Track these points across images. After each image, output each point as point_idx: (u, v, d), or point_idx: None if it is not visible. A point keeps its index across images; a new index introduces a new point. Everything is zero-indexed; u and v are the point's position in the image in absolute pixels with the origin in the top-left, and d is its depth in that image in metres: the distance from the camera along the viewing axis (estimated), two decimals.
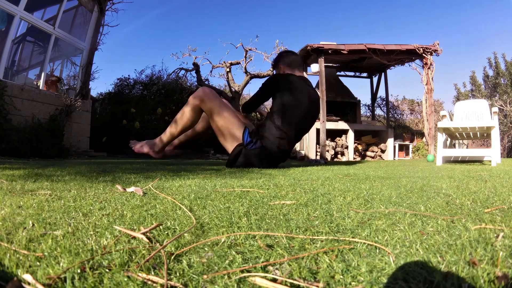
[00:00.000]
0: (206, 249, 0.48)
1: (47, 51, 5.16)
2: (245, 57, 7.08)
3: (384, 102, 9.02)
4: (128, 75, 8.51)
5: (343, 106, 7.39)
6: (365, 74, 7.90)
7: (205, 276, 0.38)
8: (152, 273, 0.39)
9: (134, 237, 0.53)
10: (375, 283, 0.37)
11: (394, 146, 7.22)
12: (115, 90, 8.18)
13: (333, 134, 6.96)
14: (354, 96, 7.60)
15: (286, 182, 1.33)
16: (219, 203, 0.85)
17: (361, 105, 8.25)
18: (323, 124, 5.48)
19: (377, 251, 0.48)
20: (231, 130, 2.25)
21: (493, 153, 3.25)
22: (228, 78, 7.14)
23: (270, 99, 2.42)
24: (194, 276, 0.39)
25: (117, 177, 1.45)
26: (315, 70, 6.92)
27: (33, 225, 0.59)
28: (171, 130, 2.32)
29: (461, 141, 4.89)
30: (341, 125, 6.85)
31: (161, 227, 0.60)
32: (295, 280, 0.38)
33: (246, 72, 7.10)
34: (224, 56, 11.99)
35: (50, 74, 5.40)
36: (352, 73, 7.91)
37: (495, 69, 12.90)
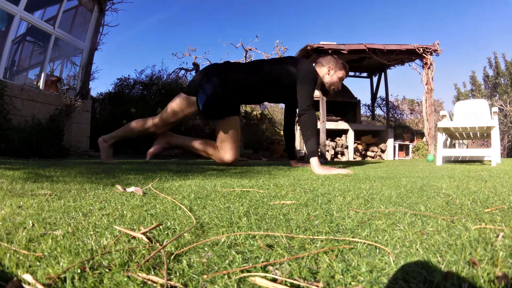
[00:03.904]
0: (206, 249, 0.48)
1: (47, 51, 5.16)
2: (245, 57, 7.08)
3: (384, 102, 9.03)
4: (128, 75, 8.51)
5: (343, 106, 7.39)
6: (365, 74, 7.89)
7: (205, 276, 0.38)
8: (152, 273, 0.39)
9: (134, 237, 0.53)
10: (375, 283, 0.37)
11: (394, 146, 7.22)
12: (115, 90, 8.18)
13: (333, 134, 6.96)
14: (354, 96, 7.60)
15: (286, 182, 1.33)
16: (219, 203, 0.85)
17: (361, 105, 8.26)
18: (323, 124, 5.48)
19: (377, 251, 0.48)
20: None
21: (493, 153, 3.24)
22: None
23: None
24: (194, 276, 0.39)
25: (117, 177, 1.45)
26: None
27: (33, 225, 0.59)
28: None
29: (461, 141, 4.89)
30: (341, 125, 6.85)
31: (161, 227, 0.60)
32: (295, 280, 0.38)
33: None
34: (224, 56, 11.97)
35: (50, 74, 5.39)
36: (352, 73, 7.90)
37: (495, 69, 12.91)
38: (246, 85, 2.34)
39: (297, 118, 2.27)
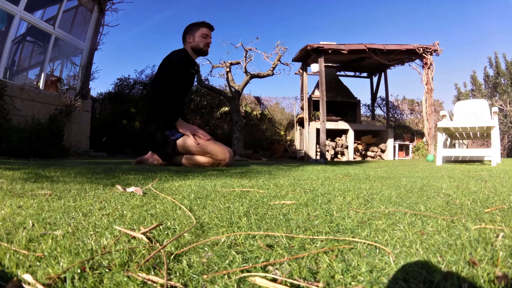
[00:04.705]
0: (206, 249, 0.48)
1: (47, 51, 5.16)
2: (245, 57, 7.08)
3: (384, 102, 9.02)
4: (128, 75, 8.52)
5: (343, 106, 7.39)
6: (365, 74, 7.90)
7: (205, 276, 0.38)
8: (152, 273, 0.39)
9: (134, 237, 0.53)
10: (375, 283, 0.37)
11: (394, 146, 7.22)
12: (115, 90, 8.19)
13: (333, 134, 6.96)
14: (354, 96, 7.60)
15: (286, 182, 1.33)
16: (219, 203, 0.85)
17: (361, 105, 8.25)
18: (323, 124, 5.48)
19: (377, 251, 0.48)
20: None
21: (493, 153, 3.25)
22: (228, 78, 7.14)
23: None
24: (194, 276, 0.39)
25: (117, 177, 1.45)
26: (315, 70, 6.92)
27: (33, 225, 0.59)
28: None
29: (461, 141, 4.89)
30: (341, 125, 6.86)
31: (161, 227, 0.60)
32: (295, 280, 0.38)
33: (246, 72, 7.11)
34: (224, 56, 11.96)
35: (50, 74, 5.39)
36: (352, 73, 7.91)
37: (495, 68, 12.90)
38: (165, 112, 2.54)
39: None
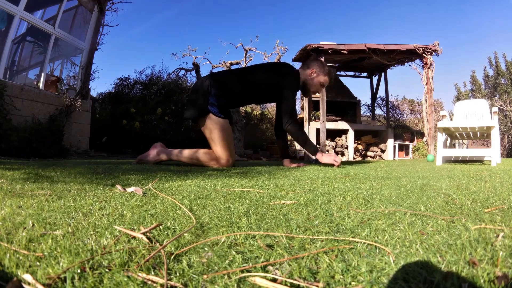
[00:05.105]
0: (206, 249, 0.48)
1: (47, 51, 5.16)
2: (245, 57, 7.08)
3: (384, 102, 9.02)
4: (128, 75, 8.51)
5: (343, 106, 7.40)
6: (365, 74, 7.90)
7: (205, 276, 0.38)
8: (152, 273, 0.39)
9: (134, 237, 0.53)
10: (375, 283, 0.37)
11: (394, 146, 7.22)
12: (115, 90, 8.18)
13: (333, 134, 6.96)
14: (354, 96, 7.61)
15: (286, 182, 1.33)
16: (219, 203, 0.85)
17: (361, 105, 8.26)
18: (323, 124, 5.48)
19: (377, 251, 0.48)
20: None
21: (493, 153, 3.24)
22: None
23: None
24: (194, 276, 0.39)
25: (117, 177, 1.45)
26: None
27: (33, 225, 0.59)
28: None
29: (461, 141, 4.89)
30: (341, 125, 6.86)
31: (161, 227, 0.60)
32: (295, 280, 0.38)
33: None
34: (224, 56, 11.99)
35: (50, 74, 5.39)
36: (352, 73, 7.91)
37: (495, 69, 12.91)
38: (233, 93, 2.49)
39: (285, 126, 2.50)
